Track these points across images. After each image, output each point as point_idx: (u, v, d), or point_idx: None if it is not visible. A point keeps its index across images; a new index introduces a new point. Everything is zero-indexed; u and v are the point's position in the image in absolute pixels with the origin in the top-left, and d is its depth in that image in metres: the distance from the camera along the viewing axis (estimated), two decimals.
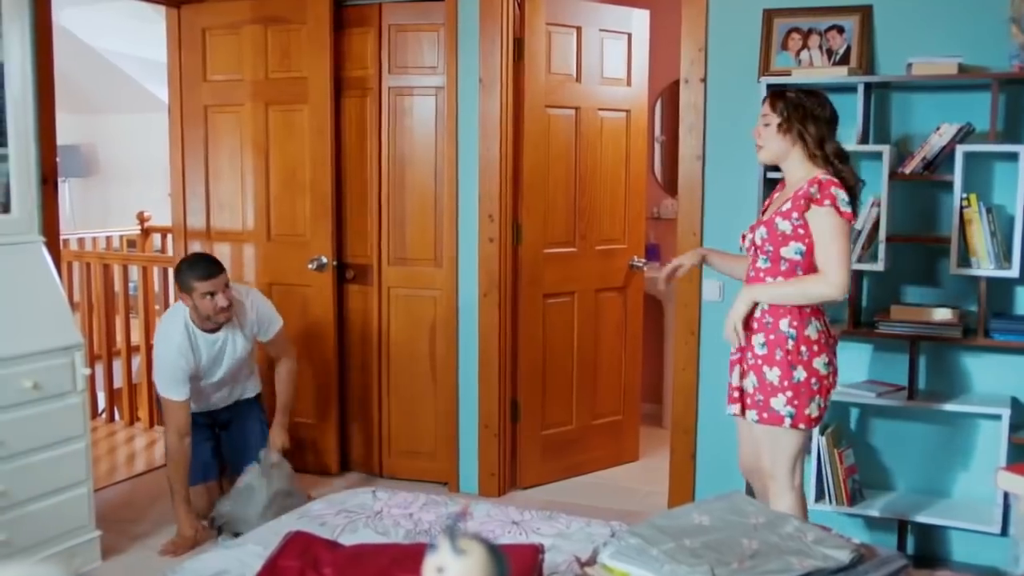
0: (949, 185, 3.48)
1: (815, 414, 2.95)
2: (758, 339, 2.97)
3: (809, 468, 3.73)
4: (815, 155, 2.97)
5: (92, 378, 4.75)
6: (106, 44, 7.60)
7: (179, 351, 3.89)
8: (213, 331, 3.97)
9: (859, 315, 3.73)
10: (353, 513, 2.71)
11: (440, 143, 4.58)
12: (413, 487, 4.51)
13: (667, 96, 5.88)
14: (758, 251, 3.02)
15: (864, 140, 3.62)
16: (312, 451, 4.79)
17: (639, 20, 4.90)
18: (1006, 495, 3.35)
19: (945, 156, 3.48)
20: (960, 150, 3.42)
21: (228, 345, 4.01)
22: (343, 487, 4.43)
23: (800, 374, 2.91)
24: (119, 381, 5.84)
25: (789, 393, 2.91)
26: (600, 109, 4.78)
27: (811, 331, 2.92)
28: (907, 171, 3.54)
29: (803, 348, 2.90)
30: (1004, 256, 3.42)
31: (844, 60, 3.73)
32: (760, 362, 2.96)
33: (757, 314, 2.99)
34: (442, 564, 1.11)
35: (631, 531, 2.25)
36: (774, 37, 3.86)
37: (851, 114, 3.64)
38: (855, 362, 3.84)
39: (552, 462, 4.80)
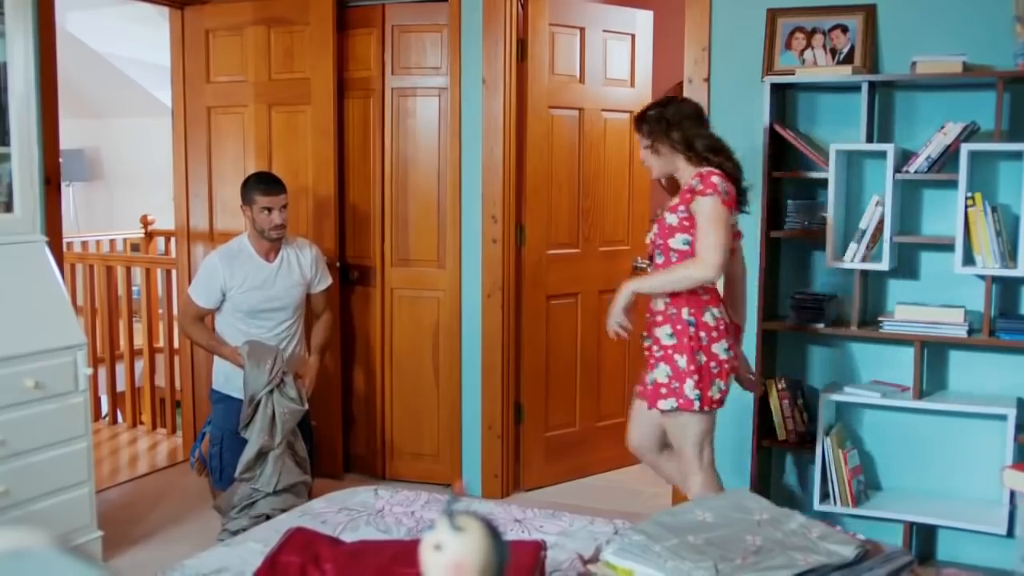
0: (954, 184, 3.46)
1: (716, 396, 3.10)
2: (665, 330, 3.13)
3: (814, 469, 3.72)
4: (690, 156, 3.12)
5: (95, 381, 4.76)
6: (111, 49, 7.62)
7: (221, 256, 4.10)
8: (267, 258, 4.12)
9: (864, 315, 3.71)
10: (354, 511, 2.70)
11: (443, 144, 4.58)
12: (416, 489, 4.51)
13: None
14: (654, 248, 3.20)
15: (868, 139, 3.61)
16: (315, 453, 4.77)
17: (643, 21, 4.89)
18: (1012, 495, 3.32)
19: (950, 155, 3.46)
20: (965, 149, 3.40)
21: (282, 275, 4.13)
22: (346, 488, 4.43)
23: (701, 358, 3.06)
24: (122, 384, 5.83)
25: (696, 377, 3.06)
26: (604, 110, 4.78)
27: (708, 318, 3.08)
28: (911, 170, 3.53)
29: (702, 334, 3.06)
30: (1009, 255, 3.40)
31: (848, 59, 3.72)
32: (671, 351, 3.11)
33: (661, 307, 3.16)
34: (440, 541, 1.10)
35: (634, 528, 2.24)
36: (778, 36, 3.85)
37: (855, 113, 3.63)
38: (860, 362, 3.83)
39: (555, 464, 4.78)
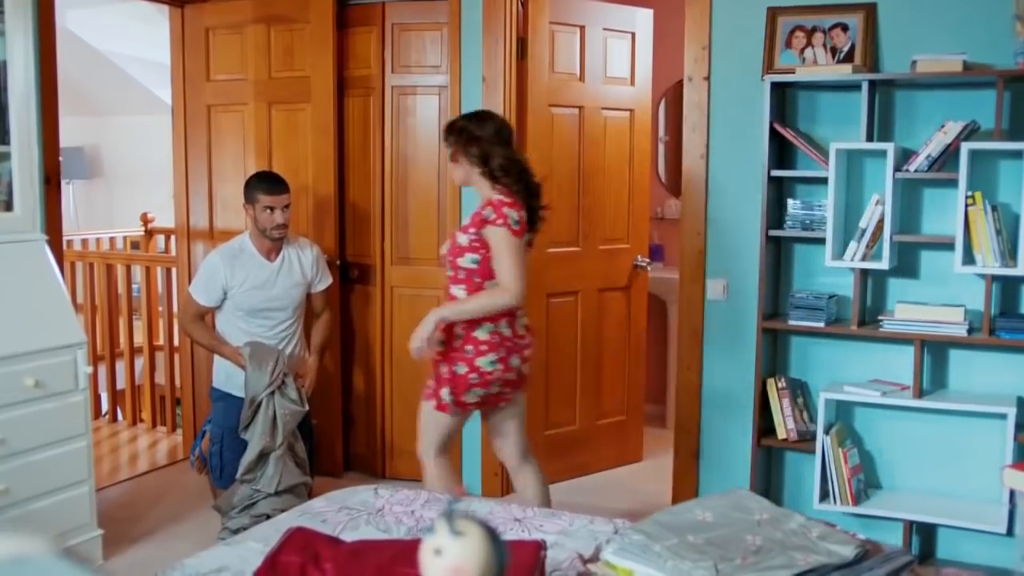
0: (954, 183, 3.46)
1: (472, 400, 3.29)
2: (436, 335, 3.29)
3: (813, 468, 3.72)
4: (483, 172, 3.25)
5: (95, 379, 4.76)
6: (111, 46, 7.61)
7: (222, 255, 4.12)
8: (268, 258, 4.13)
9: (864, 314, 3.71)
10: (354, 510, 2.70)
11: (443, 142, 4.56)
12: (416, 488, 4.51)
13: (671, 95, 5.87)
14: (446, 262, 3.36)
15: (869, 138, 3.60)
16: (316, 452, 4.77)
17: (643, 19, 4.89)
18: (1012, 494, 3.32)
19: (950, 154, 3.46)
20: (965, 148, 3.40)
21: (282, 275, 4.15)
22: (346, 487, 4.43)
23: (461, 369, 3.24)
24: (122, 382, 5.83)
25: (450, 385, 3.26)
26: (604, 108, 4.78)
27: (480, 333, 3.23)
28: (911, 169, 3.52)
29: (469, 348, 3.23)
30: (1009, 254, 3.40)
31: (848, 58, 3.72)
32: (440, 358, 3.31)
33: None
34: (439, 546, 1.10)
35: (634, 528, 2.24)
36: (778, 35, 3.85)
37: (855, 112, 3.63)
38: (860, 361, 3.82)
39: (555, 462, 4.77)
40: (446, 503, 2.15)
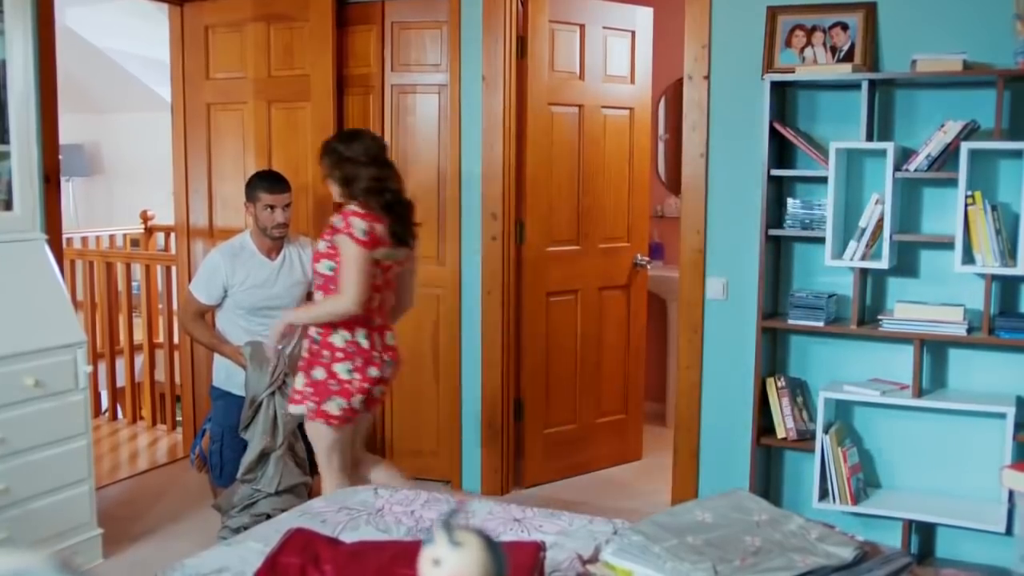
0: (953, 182, 3.46)
1: (335, 412, 3.32)
2: (305, 343, 3.42)
3: (812, 467, 3.72)
4: (344, 192, 3.36)
5: (95, 377, 4.76)
6: (110, 43, 7.61)
7: (223, 253, 4.12)
8: (269, 256, 4.14)
9: (863, 313, 3.71)
10: (354, 511, 2.70)
11: (443, 141, 4.57)
12: (416, 485, 4.51)
13: (671, 94, 5.87)
14: (310, 267, 3.55)
15: (868, 137, 3.60)
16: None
17: (643, 17, 4.89)
18: (1011, 494, 3.33)
19: (950, 154, 3.46)
20: (965, 147, 3.40)
21: (283, 273, 4.16)
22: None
23: (319, 374, 3.32)
24: (122, 380, 5.84)
25: (311, 390, 3.34)
26: (603, 107, 4.77)
27: (336, 339, 3.31)
28: (911, 168, 3.52)
29: (326, 352, 3.32)
30: (1009, 254, 3.40)
31: (848, 57, 3.71)
32: (304, 364, 3.40)
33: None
34: (438, 556, 1.10)
35: (634, 528, 2.24)
36: (778, 34, 3.84)
37: (855, 111, 3.63)
38: (859, 360, 3.83)
39: (555, 461, 4.79)
40: (445, 512, 2.15)
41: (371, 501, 2.78)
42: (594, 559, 2.24)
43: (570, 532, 2.56)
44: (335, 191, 3.42)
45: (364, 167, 3.33)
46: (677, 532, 2.19)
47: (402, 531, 2.58)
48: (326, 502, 2.78)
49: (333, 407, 3.31)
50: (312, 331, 3.36)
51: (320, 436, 3.41)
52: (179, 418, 5.41)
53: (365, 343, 3.33)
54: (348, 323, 3.30)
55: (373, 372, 3.34)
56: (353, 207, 3.29)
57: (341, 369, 3.30)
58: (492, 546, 1.10)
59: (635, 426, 5.11)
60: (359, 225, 3.22)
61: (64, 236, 4.47)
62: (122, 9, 7.26)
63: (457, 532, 1.10)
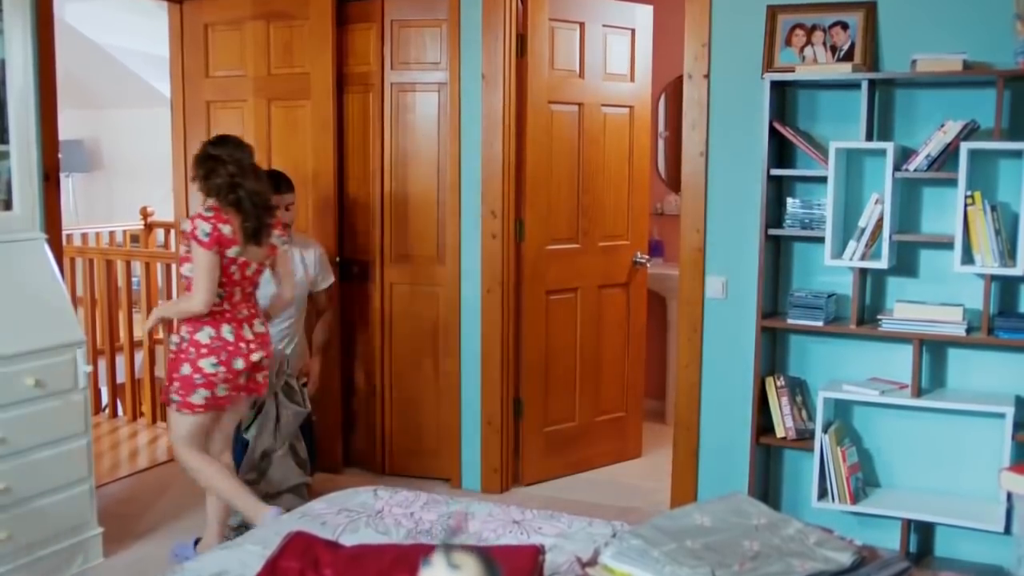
0: (953, 182, 3.46)
1: (199, 402, 3.53)
2: (174, 338, 3.62)
3: (811, 466, 3.73)
4: (204, 188, 3.57)
5: (95, 374, 4.76)
6: (110, 39, 7.60)
7: None
8: None
9: (863, 313, 3.72)
10: (354, 512, 2.70)
11: (443, 139, 4.57)
12: (416, 483, 4.52)
13: (671, 91, 5.86)
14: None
15: (868, 137, 3.60)
16: (315, 450, 4.78)
17: (643, 15, 4.88)
18: (1009, 494, 3.33)
19: (949, 154, 3.46)
20: (964, 147, 3.39)
21: None
22: (346, 484, 4.43)
23: (186, 369, 3.51)
24: (122, 377, 5.84)
25: (178, 385, 3.54)
26: (603, 105, 4.77)
27: (201, 336, 3.51)
28: (911, 168, 3.52)
29: (192, 349, 3.51)
30: (1008, 254, 3.41)
31: (848, 56, 3.71)
32: (172, 360, 3.59)
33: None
34: None
35: (632, 532, 2.25)
36: (778, 33, 3.84)
37: (855, 111, 3.63)
38: (859, 360, 3.83)
39: (555, 459, 4.79)
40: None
41: (371, 503, 2.78)
42: (593, 562, 2.24)
43: (569, 534, 2.56)
44: (198, 187, 3.62)
45: (223, 165, 3.54)
46: (676, 536, 2.19)
47: (402, 533, 2.59)
48: (326, 504, 2.79)
49: (198, 398, 3.52)
50: (183, 330, 3.56)
51: (182, 423, 3.59)
52: None
53: (230, 337, 3.55)
54: (214, 320, 3.52)
55: (239, 364, 3.55)
56: (201, 210, 3.52)
57: (206, 364, 3.50)
58: (491, 568, 1.10)
59: (635, 424, 5.12)
60: (202, 227, 3.43)
61: (64, 233, 4.46)
62: (121, 5, 7.26)
63: (456, 555, 1.10)
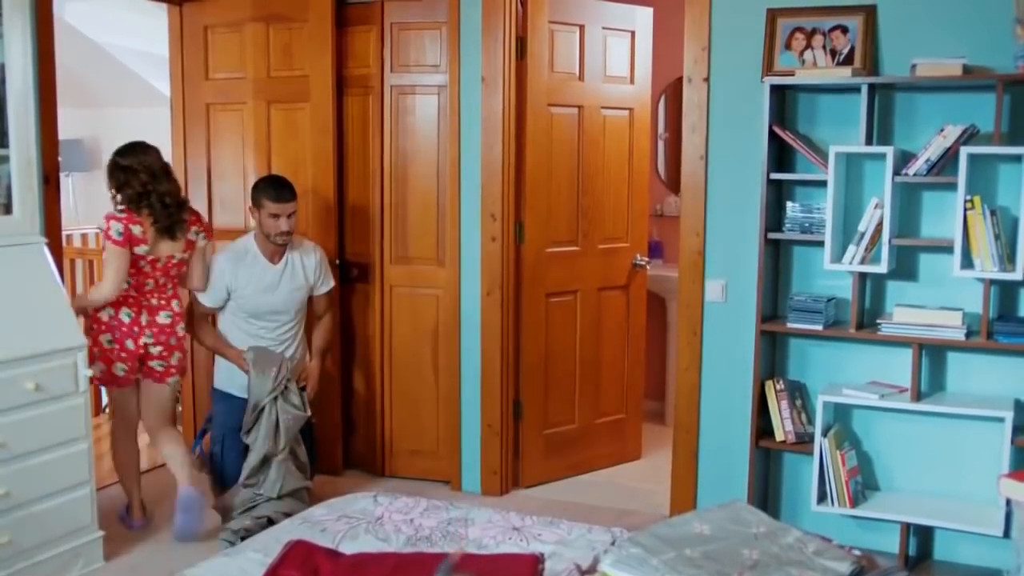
0: (953, 187, 3.46)
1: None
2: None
3: (811, 469, 3.74)
4: (118, 197, 3.87)
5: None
6: (109, 39, 7.59)
7: (227, 256, 4.17)
8: (272, 261, 4.15)
9: (862, 317, 3.72)
10: (354, 519, 2.71)
11: (442, 142, 4.57)
12: (415, 486, 4.53)
13: (671, 92, 5.86)
14: None
15: (868, 141, 3.60)
16: (316, 453, 4.78)
17: (642, 18, 4.88)
18: (1008, 500, 3.33)
19: (949, 158, 3.46)
20: (964, 152, 3.39)
21: (285, 278, 4.18)
22: (346, 486, 4.44)
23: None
24: None
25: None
26: (603, 107, 4.77)
27: (103, 315, 3.91)
28: (911, 172, 3.52)
29: (94, 325, 3.92)
30: (1008, 258, 3.41)
31: (848, 60, 3.71)
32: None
33: None
34: None
35: (632, 540, 2.25)
36: (778, 37, 3.84)
37: (855, 115, 3.63)
38: (858, 364, 3.83)
39: (554, 461, 4.80)
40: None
41: (371, 509, 2.79)
42: (592, 569, 2.26)
43: (569, 541, 2.57)
44: (112, 196, 3.89)
45: (135, 175, 3.84)
46: (675, 544, 2.20)
47: (401, 540, 2.59)
48: (326, 510, 2.80)
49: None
50: (95, 310, 3.92)
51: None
52: (179, 417, 5.41)
53: (126, 319, 3.93)
54: (117, 303, 3.90)
55: (130, 344, 3.92)
56: (113, 211, 3.83)
57: (103, 340, 3.90)
58: None
59: (634, 426, 5.12)
60: (115, 227, 3.79)
61: (63, 233, 4.47)
62: (121, 5, 7.24)
63: None
